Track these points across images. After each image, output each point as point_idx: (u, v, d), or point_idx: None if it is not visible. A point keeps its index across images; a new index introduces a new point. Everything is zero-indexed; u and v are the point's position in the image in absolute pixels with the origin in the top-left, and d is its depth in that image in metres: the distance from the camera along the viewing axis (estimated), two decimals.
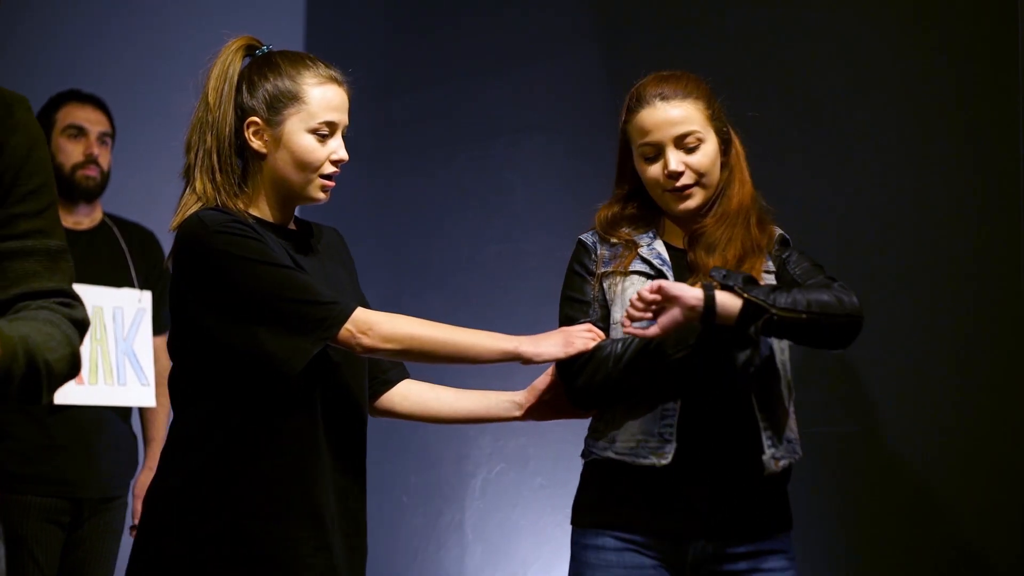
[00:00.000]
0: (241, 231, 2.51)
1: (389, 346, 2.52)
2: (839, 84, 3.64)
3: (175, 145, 4.98)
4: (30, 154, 2.07)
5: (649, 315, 2.61)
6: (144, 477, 4.08)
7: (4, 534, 3.72)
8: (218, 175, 2.61)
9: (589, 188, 4.10)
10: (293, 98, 2.62)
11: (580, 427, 2.85)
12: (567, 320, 2.81)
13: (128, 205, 4.32)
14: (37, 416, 3.81)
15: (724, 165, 2.78)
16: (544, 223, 4.42)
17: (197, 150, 2.65)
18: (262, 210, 2.64)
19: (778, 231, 2.82)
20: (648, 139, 2.75)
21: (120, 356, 3.94)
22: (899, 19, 3.56)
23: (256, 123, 2.62)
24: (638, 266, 2.77)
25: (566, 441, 3.51)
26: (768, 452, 2.67)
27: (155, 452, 4.11)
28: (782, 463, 2.70)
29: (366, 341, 2.51)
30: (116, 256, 4.04)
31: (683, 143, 2.73)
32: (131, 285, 4.02)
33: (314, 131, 2.62)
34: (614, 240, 2.81)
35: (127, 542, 4.13)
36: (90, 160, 3.98)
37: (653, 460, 2.67)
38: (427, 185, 4.78)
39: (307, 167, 2.62)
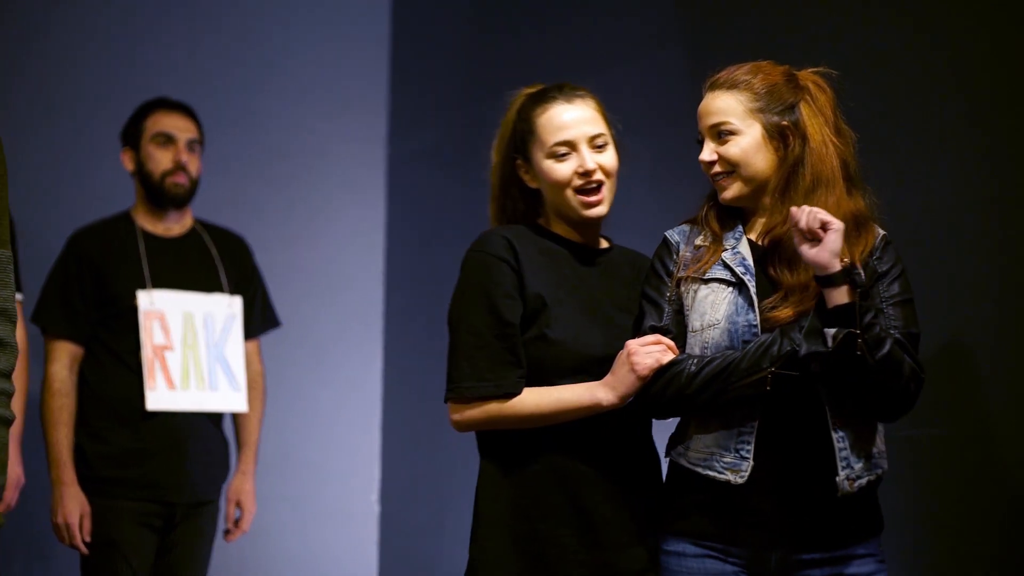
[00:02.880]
0: (482, 261, 2.81)
1: (465, 430, 2.80)
2: (922, 82, 3.59)
3: (260, 148, 5.04)
4: None
5: (820, 235, 2.59)
6: (237, 481, 4.10)
7: (98, 538, 3.79)
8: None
9: (675, 190, 4.08)
10: (528, 132, 2.87)
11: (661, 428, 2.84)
12: (639, 317, 2.78)
13: (217, 210, 4.36)
14: (130, 421, 3.85)
15: (783, 160, 2.73)
16: (631, 225, 4.38)
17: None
18: (557, 228, 2.90)
19: (879, 234, 2.74)
20: (698, 126, 2.80)
21: (212, 362, 3.97)
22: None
23: (521, 164, 2.91)
24: (719, 272, 2.73)
25: None
26: (842, 474, 2.62)
27: (248, 456, 4.13)
28: (858, 483, 2.64)
29: (451, 418, 2.81)
30: (206, 262, 4.07)
31: (717, 131, 2.75)
32: (222, 290, 4.05)
33: (550, 155, 2.82)
34: (699, 241, 2.78)
35: (220, 546, 4.17)
36: (179, 167, 4.00)
37: (728, 476, 2.64)
38: None
39: (556, 187, 2.83)
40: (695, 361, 2.66)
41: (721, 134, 2.73)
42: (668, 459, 2.78)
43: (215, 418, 4.02)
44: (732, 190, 2.75)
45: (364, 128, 5.17)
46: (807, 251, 2.59)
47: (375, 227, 5.17)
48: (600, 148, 2.86)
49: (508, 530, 2.74)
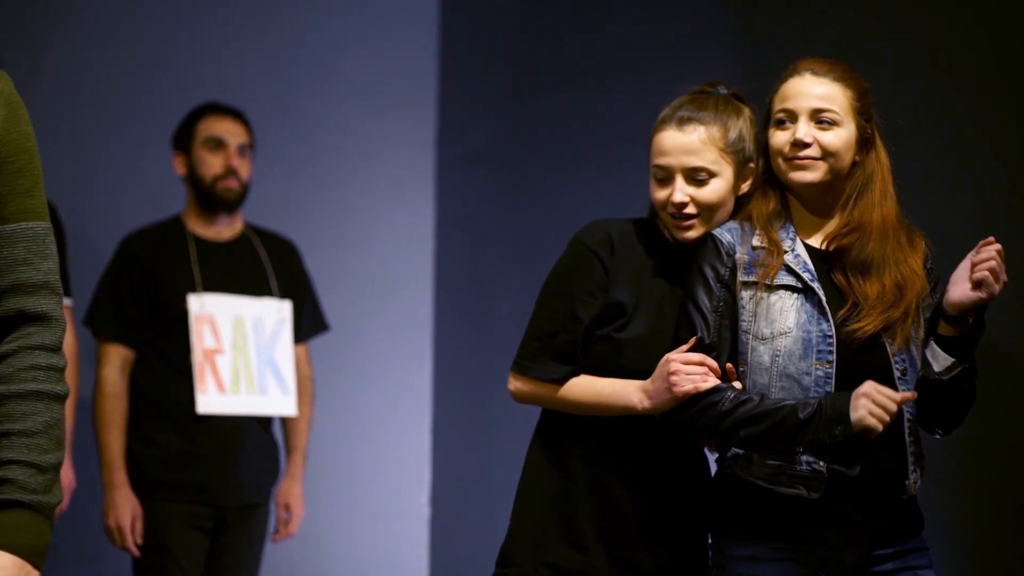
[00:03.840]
0: (579, 251, 2.82)
1: (517, 400, 2.90)
2: (947, 89, 3.55)
3: (309, 152, 5.05)
4: (13, 127, 1.99)
5: (993, 284, 2.57)
6: (286, 485, 4.11)
7: (149, 540, 3.81)
8: None
9: None
10: (649, 145, 2.83)
11: None
12: (683, 322, 2.71)
13: (266, 214, 4.37)
14: (181, 424, 3.87)
15: (858, 164, 2.71)
16: None
17: None
18: (668, 234, 2.84)
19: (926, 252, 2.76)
20: (786, 105, 2.71)
21: (261, 366, 3.98)
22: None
23: None
24: (784, 279, 2.66)
25: None
26: (912, 477, 2.67)
27: (297, 460, 4.14)
28: (917, 484, 2.70)
29: (508, 385, 2.89)
30: (256, 266, 4.08)
31: (818, 117, 2.68)
32: (271, 295, 4.06)
33: (653, 175, 2.79)
34: (756, 242, 2.70)
35: (270, 549, 4.18)
36: (230, 172, 4.01)
37: (802, 491, 2.62)
38: (561, 189, 4.77)
39: (656, 206, 2.81)
40: (731, 397, 2.61)
41: (823, 120, 2.68)
42: (720, 466, 2.75)
43: (264, 422, 4.03)
44: (816, 173, 2.68)
45: (412, 131, 5.17)
46: (971, 290, 2.57)
47: (424, 230, 5.17)
48: (699, 181, 2.74)
49: (547, 510, 2.81)
